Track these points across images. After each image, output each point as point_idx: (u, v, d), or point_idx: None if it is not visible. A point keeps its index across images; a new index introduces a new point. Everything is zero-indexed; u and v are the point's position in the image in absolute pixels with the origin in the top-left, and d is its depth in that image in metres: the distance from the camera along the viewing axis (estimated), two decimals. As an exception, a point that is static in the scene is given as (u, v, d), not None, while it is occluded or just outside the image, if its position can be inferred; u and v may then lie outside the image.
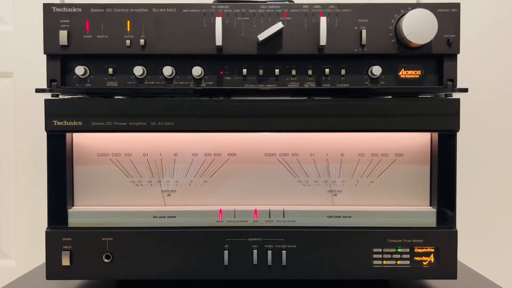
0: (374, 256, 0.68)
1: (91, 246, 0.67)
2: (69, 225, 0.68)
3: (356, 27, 0.67)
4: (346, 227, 0.68)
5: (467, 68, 1.05)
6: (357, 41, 0.67)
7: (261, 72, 0.69)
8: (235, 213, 0.69)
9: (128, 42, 0.67)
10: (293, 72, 0.69)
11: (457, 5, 0.67)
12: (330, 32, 0.67)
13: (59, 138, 0.67)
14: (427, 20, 0.65)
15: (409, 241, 0.68)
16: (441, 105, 0.67)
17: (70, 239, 0.67)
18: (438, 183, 0.68)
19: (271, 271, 0.68)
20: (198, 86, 0.69)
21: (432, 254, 0.68)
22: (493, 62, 1.09)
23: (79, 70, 0.68)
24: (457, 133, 0.67)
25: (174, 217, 0.69)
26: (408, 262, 0.68)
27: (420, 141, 0.70)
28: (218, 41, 0.66)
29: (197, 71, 0.68)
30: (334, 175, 0.70)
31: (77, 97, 0.69)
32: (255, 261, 0.67)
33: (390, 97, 0.70)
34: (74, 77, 0.69)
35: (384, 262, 0.68)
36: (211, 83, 0.69)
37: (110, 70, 0.69)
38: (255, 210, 0.69)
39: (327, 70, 0.68)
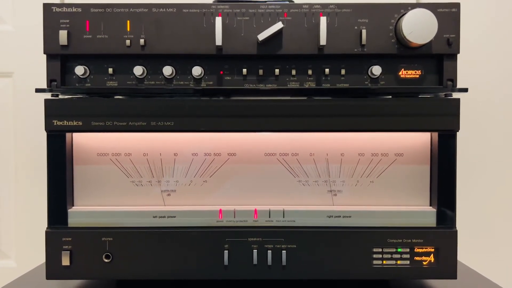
0: (374, 256, 0.68)
1: (91, 246, 0.67)
2: (69, 225, 0.68)
3: (356, 27, 0.67)
4: (346, 227, 0.68)
5: (467, 68, 1.05)
6: (357, 41, 0.67)
7: (261, 72, 0.69)
8: (235, 213, 0.69)
9: (128, 42, 0.67)
10: (293, 72, 0.69)
11: (457, 5, 0.67)
12: (330, 32, 0.67)
13: (59, 138, 0.67)
14: (427, 20, 0.65)
15: (409, 241, 0.68)
16: (441, 105, 0.67)
17: (70, 239, 0.67)
18: (438, 183, 0.68)
19: (271, 271, 0.68)
20: (198, 86, 0.69)
21: (432, 254, 0.68)
22: (493, 62, 1.09)
23: (79, 70, 0.68)
24: (457, 133, 0.67)
25: (174, 217, 0.69)
26: (408, 262, 0.68)
27: (420, 141, 0.70)
28: (218, 41, 0.66)
29: (197, 71, 0.68)
30: (334, 175, 0.70)
31: (77, 97, 0.69)
32: (255, 261, 0.67)
33: (390, 97, 0.70)
34: (74, 77, 0.69)
35: (384, 262, 0.68)
36: (211, 83, 0.69)
37: (110, 70, 0.69)
38: (255, 210, 0.69)
39: (327, 70, 0.68)
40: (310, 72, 0.69)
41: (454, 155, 0.67)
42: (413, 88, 0.69)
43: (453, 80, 0.68)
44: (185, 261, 0.68)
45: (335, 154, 0.70)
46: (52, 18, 0.67)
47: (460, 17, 0.67)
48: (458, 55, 0.68)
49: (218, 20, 0.66)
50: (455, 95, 0.68)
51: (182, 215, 0.69)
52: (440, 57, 0.68)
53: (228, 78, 0.69)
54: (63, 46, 0.67)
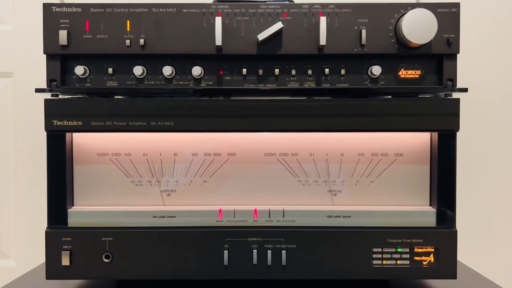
0: (374, 256, 0.68)
1: (91, 246, 0.67)
2: (69, 225, 0.68)
3: (356, 27, 0.67)
4: (346, 227, 0.68)
5: (467, 68, 1.05)
6: (357, 41, 0.67)
7: (261, 72, 0.69)
8: (235, 213, 0.69)
9: (128, 42, 0.67)
10: (293, 72, 0.69)
11: (457, 5, 0.67)
12: (330, 32, 0.67)
13: (59, 138, 0.67)
14: (426, 20, 0.65)
15: (409, 241, 0.68)
16: (440, 105, 0.67)
17: (70, 239, 0.67)
18: (438, 183, 0.68)
19: (271, 271, 0.68)
20: (198, 86, 0.69)
21: (432, 254, 0.68)
22: (493, 62, 1.09)
23: (79, 70, 0.68)
24: (457, 133, 0.67)
25: (174, 217, 0.69)
26: (408, 262, 0.68)
27: (420, 141, 0.70)
28: (218, 41, 0.66)
29: (197, 71, 0.68)
30: (334, 175, 0.70)
31: (77, 97, 0.69)
32: (255, 261, 0.67)
33: (390, 97, 0.70)
34: (74, 77, 0.69)
35: (384, 262, 0.68)
36: (211, 83, 0.69)
37: (110, 70, 0.69)
38: (255, 210, 0.69)
39: (327, 70, 0.68)
40: (310, 72, 0.69)
41: (454, 155, 0.67)
42: (413, 88, 0.69)
43: (453, 80, 0.68)
44: (185, 261, 0.68)
45: (335, 154, 0.70)
46: (52, 18, 0.67)
47: (460, 17, 0.67)
48: (458, 55, 0.68)
49: (218, 20, 0.66)
50: (455, 95, 0.68)
51: (182, 215, 0.69)
52: (440, 57, 0.68)
53: (228, 78, 0.69)
54: (63, 46, 0.67)
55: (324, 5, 0.67)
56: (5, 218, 1.11)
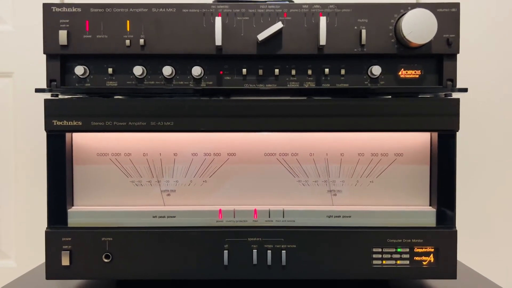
0: (374, 256, 0.68)
1: (90, 246, 0.67)
2: (69, 225, 0.68)
3: (355, 27, 0.67)
4: (346, 227, 0.68)
5: (467, 68, 1.05)
6: (356, 41, 0.67)
7: (260, 72, 0.69)
8: (234, 213, 0.69)
9: (127, 42, 0.67)
10: (293, 72, 0.69)
11: (457, 5, 0.67)
12: (329, 32, 0.67)
13: (58, 138, 0.67)
14: (426, 20, 0.65)
15: (409, 241, 0.68)
16: (440, 105, 0.67)
17: (69, 239, 0.67)
18: (438, 183, 0.68)
19: (271, 271, 0.68)
20: (198, 86, 0.69)
21: (431, 254, 0.68)
22: (493, 62, 1.09)
23: (79, 70, 0.68)
24: (457, 133, 0.67)
25: (174, 217, 0.69)
26: (407, 262, 0.68)
27: (419, 141, 0.70)
28: (218, 41, 0.66)
29: (196, 71, 0.68)
30: (334, 175, 0.70)
31: (77, 97, 0.69)
32: (254, 261, 0.67)
33: (390, 97, 0.70)
34: (74, 77, 0.69)
35: (384, 262, 0.68)
36: (210, 83, 0.69)
37: (110, 70, 0.69)
38: (255, 210, 0.69)
39: (326, 70, 0.68)
40: (310, 72, 0.69)
41: (454, 155, 0.67)
42: (413, 88, 0.69)
43: (453, 80, 0.68)
44: (185, 261, 0.68)
45: (335, 154, 0.70)
46: (52, 18, 0.67)
47: (460, 17, 0.67)
48: (458, 55, 0.68)
49: (218, 20, 0.66)
50: (455, 95, 0.68)
51: (182, 215, 0.69)
52: (440, 57, 0.68)
53: (228, 78, 0.69)
54: (63, 46, 0.67)
55: (324, 5, 0.67)
56: (5, 218, 1.11)
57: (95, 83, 0.69)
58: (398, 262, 0.68)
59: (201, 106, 0.67)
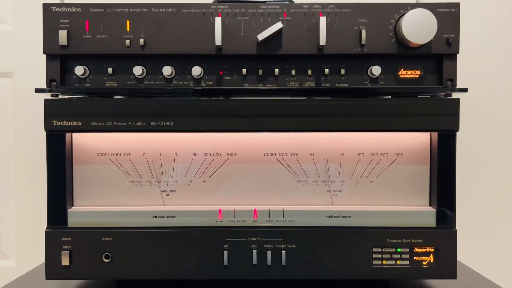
0: (374, 256, 0.68)
1: (90, 246, 0.67)
2: (69, 225, 0.68)
3: (355, 27, 0.67)
4: (346, 227, 0.68)
5: (467, 68, 1.05)
6: (356, 41, 0.67)
7: (260, 72, 0.69)
8: (234, 213, 0.69)
9: (127, 42, 0.67)
10: (293, 72, 0.69)
11: (457, 5, 0.67)
12: (329, 32, 0.67)
13: (58, 138, 0.67)
14: (426, 20, 0.65)
15: (409, 241, 0.68)
16: (440, 105, 0.67)
17: (69, 239, 0.67)
18: (438, 183, 0.68)
19: (271, 271, 0.68)
20: (198, 86, 0.69)
21: (431, 254, 0.68)
22: (493, 62, 1.09)
23: (79, 70, 0.68)
24: (457, 133, 0.67)
25: (174, 217, 0.69)
26: (407, 262, 0.68)
27: (419, 141, 0.70)
28: (218, 41, 0.66)
29: (196, 71, 0.68)
30: (334, 175, 0.70)
31: (77, 97, 0.69)
32: (254, 261, 0.67)
33: (390, 97, 0.70)
34: (74, 77, 0.69)
35: (384, 262, 0.68)
36: (210, 83, 0.69)
37: (110, 70, 0.69)
38: (255, 210, 0.69)
39: (326, 70, 0.68)
40: (309, 72, 0.69)
41: (454, 155, 0.67)
42: (413, 88, 0.69)
43: (453, 80, 0.68)
44: (185, 261, 0.68)
45: (335, 154, 0.70)
46: (51, 18, 0.67)
47: (460, 17, 0.67)
48: (458, 55, 0.68)
49: (218, 20, 0.66)
50: (455, 95, 0.68)
51: (182, 215, 0.69)
52: (439, 57, 0.68)
53: (228, 78, 0.69)
54: (62, 46, 0.67)
55: (324, 5, 0.67)
56: (5, 218, 1.11)
57: (95, 83, 0.69)
58: (398, 262, 0.68)
59: (201, 106, 0.67)
